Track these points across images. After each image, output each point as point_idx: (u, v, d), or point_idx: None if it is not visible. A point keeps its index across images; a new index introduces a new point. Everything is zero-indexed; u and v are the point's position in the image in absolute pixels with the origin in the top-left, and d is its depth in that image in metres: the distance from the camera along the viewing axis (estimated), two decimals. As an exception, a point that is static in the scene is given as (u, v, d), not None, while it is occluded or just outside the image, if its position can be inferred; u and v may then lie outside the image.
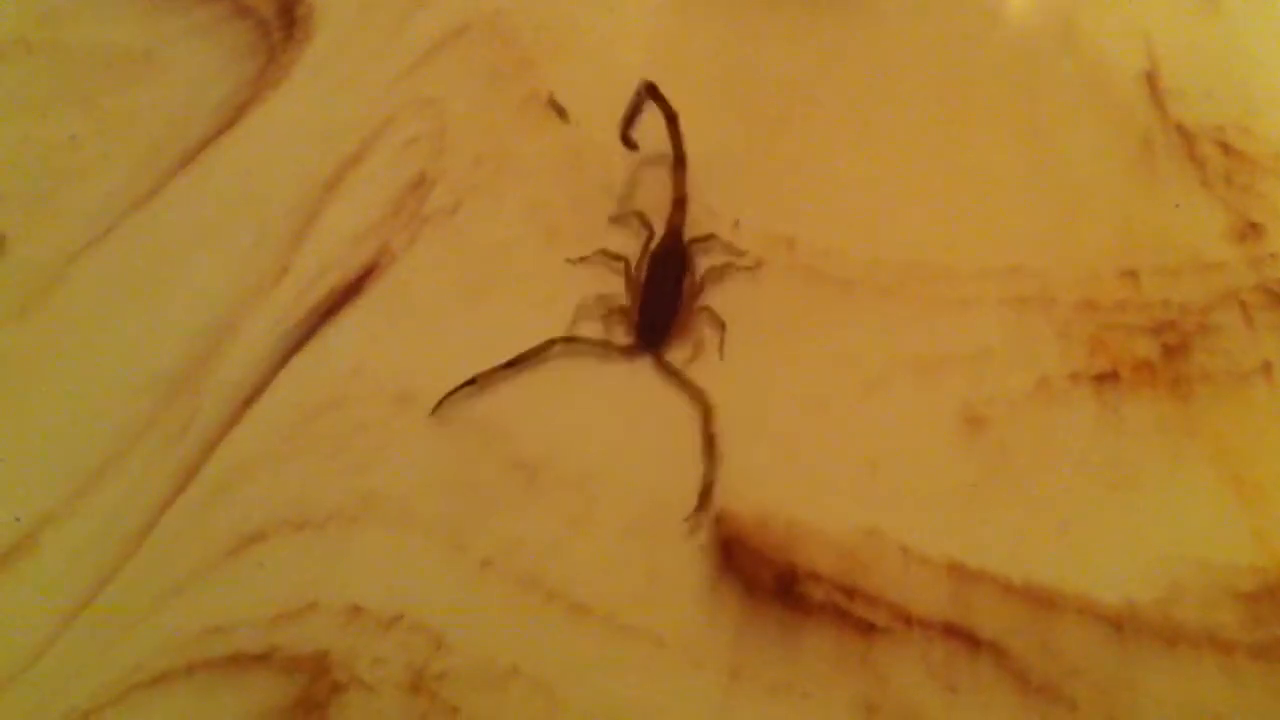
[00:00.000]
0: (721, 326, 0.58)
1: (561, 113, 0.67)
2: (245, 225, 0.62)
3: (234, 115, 0.67)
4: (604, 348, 0.57)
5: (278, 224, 0.62)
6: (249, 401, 0.56)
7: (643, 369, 0.57)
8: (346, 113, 0.67)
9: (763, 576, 0.50)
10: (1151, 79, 0.67)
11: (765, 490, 0.53)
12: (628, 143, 0.62)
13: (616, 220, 0.62)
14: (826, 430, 0.54)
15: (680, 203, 0.62)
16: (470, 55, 0.70)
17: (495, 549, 0.51)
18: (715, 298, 0.59)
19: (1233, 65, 0.68)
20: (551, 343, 0.56)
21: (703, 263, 0.61)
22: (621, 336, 0.58)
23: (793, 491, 0.53)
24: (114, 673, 0.49)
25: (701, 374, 0.56)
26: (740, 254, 0.61)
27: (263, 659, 0.49)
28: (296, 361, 0.57)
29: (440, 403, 0.55)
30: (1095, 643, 0.48)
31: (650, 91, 0.61)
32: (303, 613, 0.50)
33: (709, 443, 0.53)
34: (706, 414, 0.54)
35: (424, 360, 0.57)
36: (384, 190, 0.64)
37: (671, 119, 0.62)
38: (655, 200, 0.63)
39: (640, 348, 0.57)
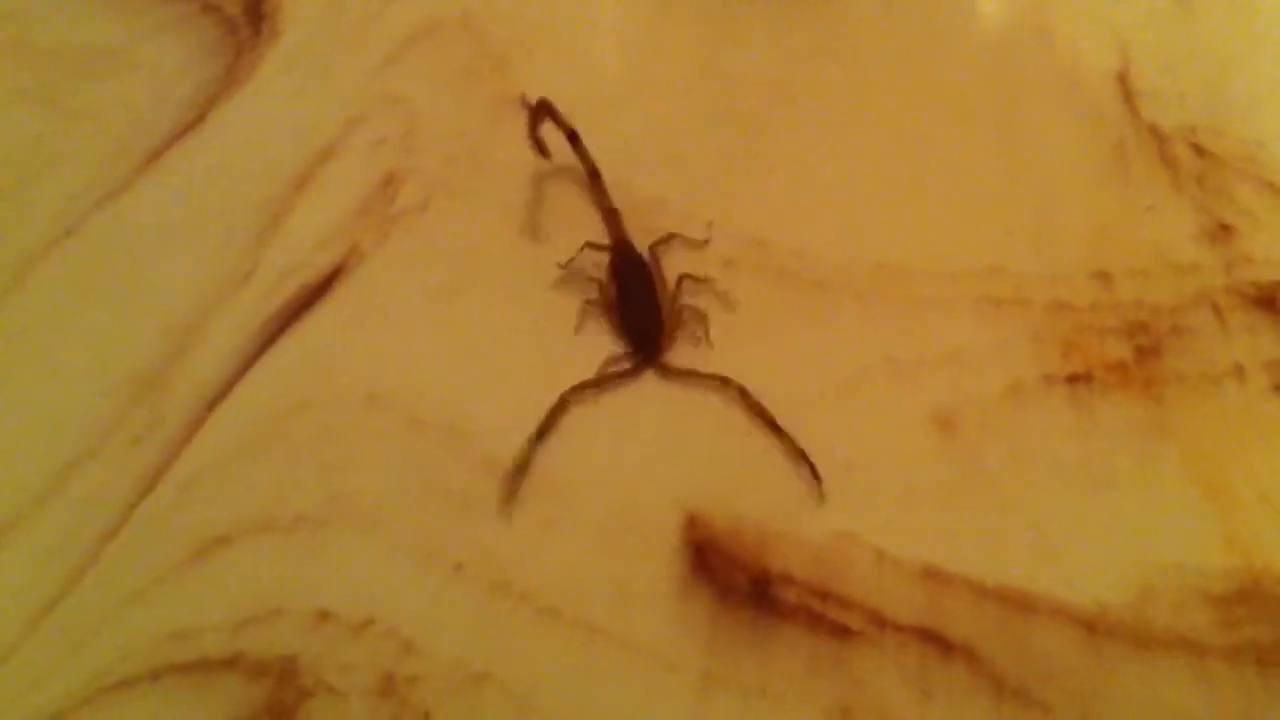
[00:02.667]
0: (703, 317, 0.58)
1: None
2: (212, 224, 0.62)
3: (201, 113, 0.66)
4: (611, 381, 0.56)
5: (245, 223, 0.62)
6: (215, 403, 0.55)
7: (655, 383, 0.56)
8: (315, 111, 0.67)
9: (736, 580, 0.50)
10: (1124, 80, 0.68)
11: (738, 494, 0.52)
12: (539, 147, 0.61)
13: (565, 267, 0.60)
14: (800, 432, 0.54)
15: (611, 213, 0.61)
16: (441, 53, 0.70)
17: (466, 553, 0.51)
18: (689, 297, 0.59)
19: (1205, 67, 0.68)
20: (564, 399, 0.55)
21: (670, 263, 0.60)
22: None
23: (765, 494, 0.53)
24: (79, 678, 0.48)
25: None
26: (703, 243, 0.61)
27: (229, 664, 0.48)
28: (264, 362, 0.57)
29: (504, 505, 0.53)
30: (1068, 646, 0.48)
31: (545, 109, 0.60)
32: (270, 617, 0.49)
33: (765, 419, 0.53)
34: (743, 395, 0.54)
35: (393, 361, 0.57)
36: (353, 189, 0.63)
37: (572, 136, 0.61)
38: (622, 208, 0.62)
39: (641, 364, 0.56)
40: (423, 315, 0.59)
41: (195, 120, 0.66)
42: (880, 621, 0.49)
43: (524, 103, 0.66)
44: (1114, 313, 0.58)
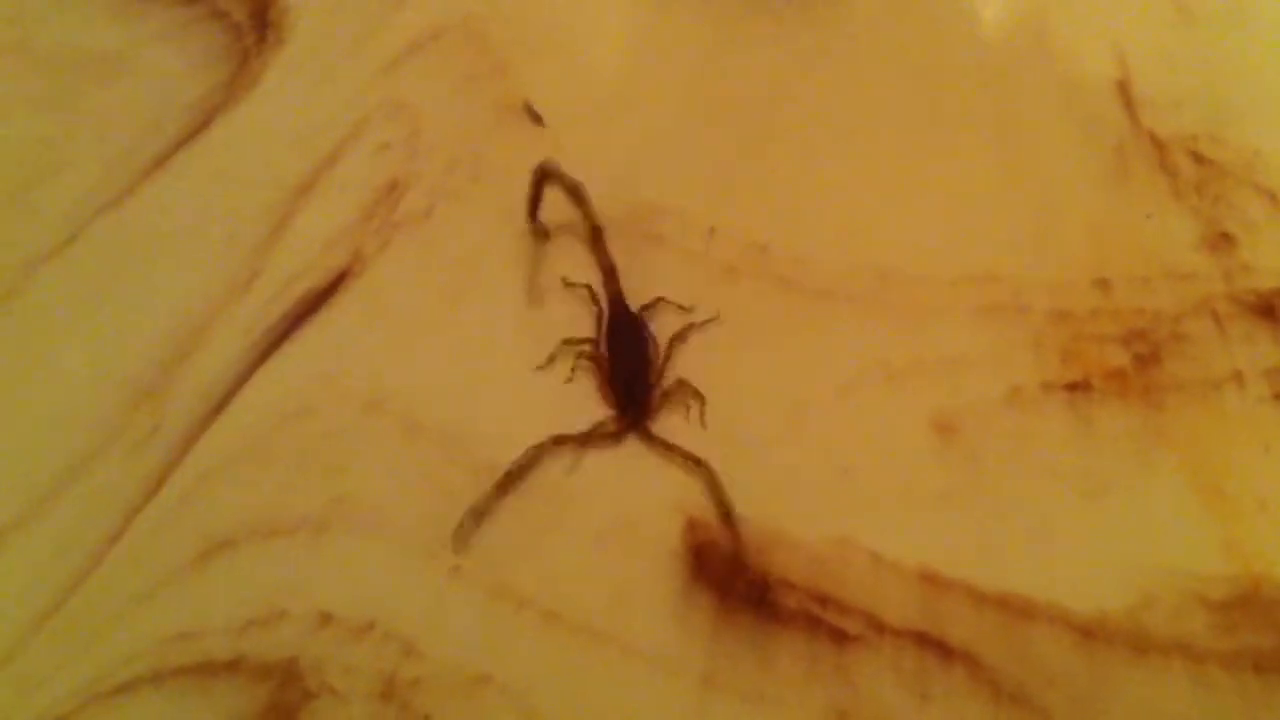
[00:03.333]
0: (700, 399, 0.56)
1: (536, 118, 0.67)
2: (216, 229, 0.62)
3: (206, 119, 0.67)
4: (590, 438, 0.55)
5: (249, 228, 0.62)
6: (219, 407, 0.56)
7: (634, 447, 0.56)
8: (319, 116, 0.67)
9: (736, 584, 0.50)
10: (1124, 88, 0.68)
11: (737, 498, 0.52)
12: (537, 230, 0.61)
13: (570, 285, 0.60)
14: (799, 437, 0.54)
15: (610, 272, 0.61)
16: (444, 59, 0.70)
17: (466, 557, 0.51)
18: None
19: (1204, 75, 0.68)
20: (540, 448, 0.54)
21: (657, 326, 0.59)
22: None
23: (765, 499, 0.53)
24: (82, 680, 0.48)
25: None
26: (689, 309, 0.60)
27: (232, 667, 0.48)
28: (267, 367, 0.57)
29: (455, 539, 0.52)
30: (1066, 651, 0.48)
31: (547, 172, 0.60)
32: (272, 620, 0.49)
33: (722, 508, 0.52)
34: (711, 481, 0.53)
35: (396, 367, 0.57)
36: (356, 195, 0.64)
37: (574, 191, 0.61)
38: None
39: (625, 427, 0.56)
40: (425, 320, 0.59)
41: (200, 126, 0.66)
42: (879, 626, 0.49)
43: (525, 107, 0.67)
44: (1113, 320, 0.58)
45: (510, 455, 0.53)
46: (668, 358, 0.58)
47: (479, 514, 0.52)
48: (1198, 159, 0.64)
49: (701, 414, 0.56)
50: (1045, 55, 0.70)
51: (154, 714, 0.47)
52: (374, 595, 0.50)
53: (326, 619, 0.49)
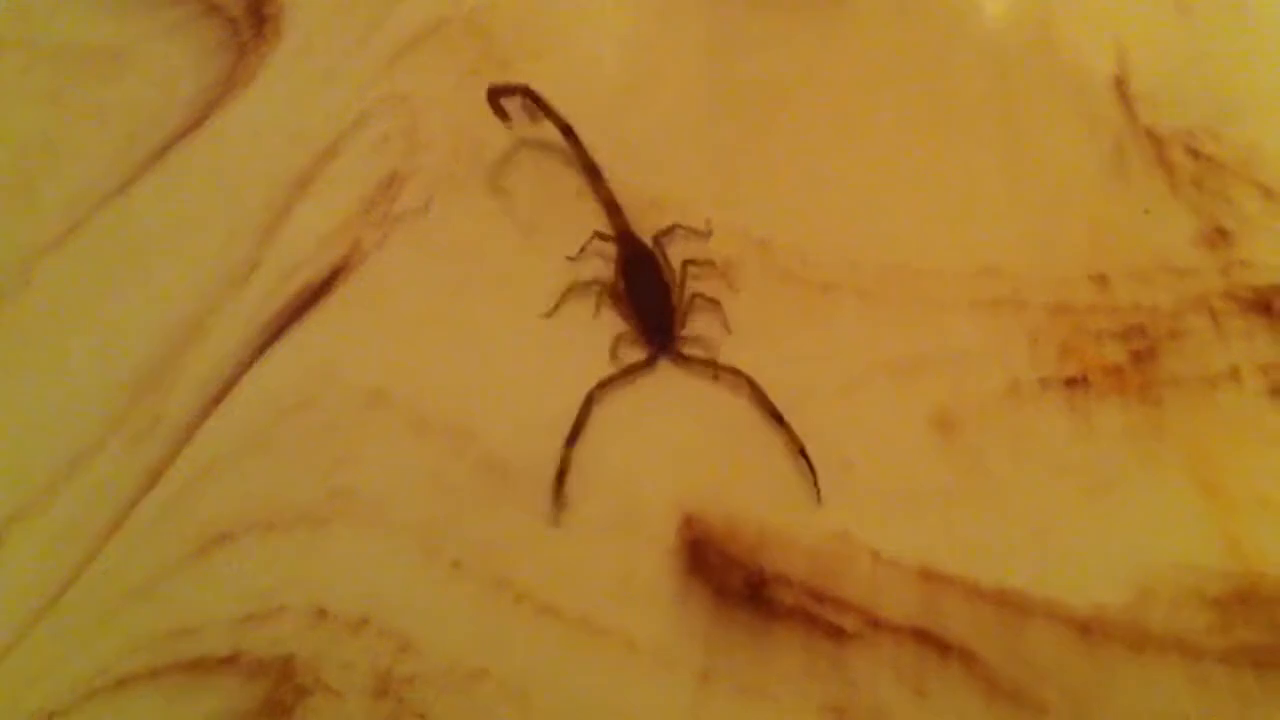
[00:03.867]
0: (718, 304, 0.58)
1: (534, 112, 0.67)
2: (215, 223, 0.62)
3: (204, 113, 0.67)
4: (629, 374, 0.56)
5: (248, 221, 0.62)
6: (218, 400, 0.56)
7: (671, 373, 0.57)
8: (317, 110, 0.67)
9: (733, 580, 0.50)
10: (1122, 85, 0.68)
11: (736, 493, 0.53)
12: (497, 110, 0.62)
13: (576, 257, 0.61)
14: (800, 431, 0.54)
15: (612, 206, 0.62)
16: (444, 53, 0.70)
17: (465, 550, 0.51)
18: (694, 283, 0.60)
19: (1202, 71, 0.68)
20: (589, 398, 0.55)
21: (674, 252, 0.61)
22: (634, 354, 0.57)
23: (763, 494, 0.53)
24: (79, 674, 0.48)
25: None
26: (706, 234, 0.61)
27: (228, 662, 0.48)
28: (266, 360, 0.57)
29: (555, 501, 0.53)
30: (1065, 647, 0.48)
31: (532, 97, 0.61)
32: (270, 615, 0.50)
33: (772, 413, 0.54)
34: (754, 390, 0.54)
35: (395, 359, 0.57)
36: (355, 188, 0.64)
37: (566, 131, 0.62)
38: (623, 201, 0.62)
39: (656, 354, 0.57)
40: (424, 314, 0.59)
41: (199, 120, 0.66)
42: (876, 622, 0.49)
43: (523, 103, 0.67)
44: (1112, 316, 0.58)
45: (510, 448, 0.54)
46: (683, 282, 0.59)
47: (563, 474, 0.53)
48: (1196, 155, 0.64)
49: (724, 321, 0.58)
50: (1045, 51, 0.70)
51: (151, 709, 0.48)
52: (372, 590, 0.50)
53: (322, 614, 0.49)
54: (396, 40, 0.70)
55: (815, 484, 0.52)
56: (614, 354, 0.57)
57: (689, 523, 0.52)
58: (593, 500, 0.53)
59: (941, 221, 0.62)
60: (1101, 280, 0.59)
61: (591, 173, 0.62)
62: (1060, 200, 0.63)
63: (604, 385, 0.55)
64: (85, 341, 0.58)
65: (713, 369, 0.56)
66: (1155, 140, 0.64)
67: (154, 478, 0.53)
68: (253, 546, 0.52)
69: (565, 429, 0.54)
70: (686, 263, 0.60)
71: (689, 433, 0.55)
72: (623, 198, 0.62)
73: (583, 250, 0.60)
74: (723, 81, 0.70)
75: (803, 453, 0.53)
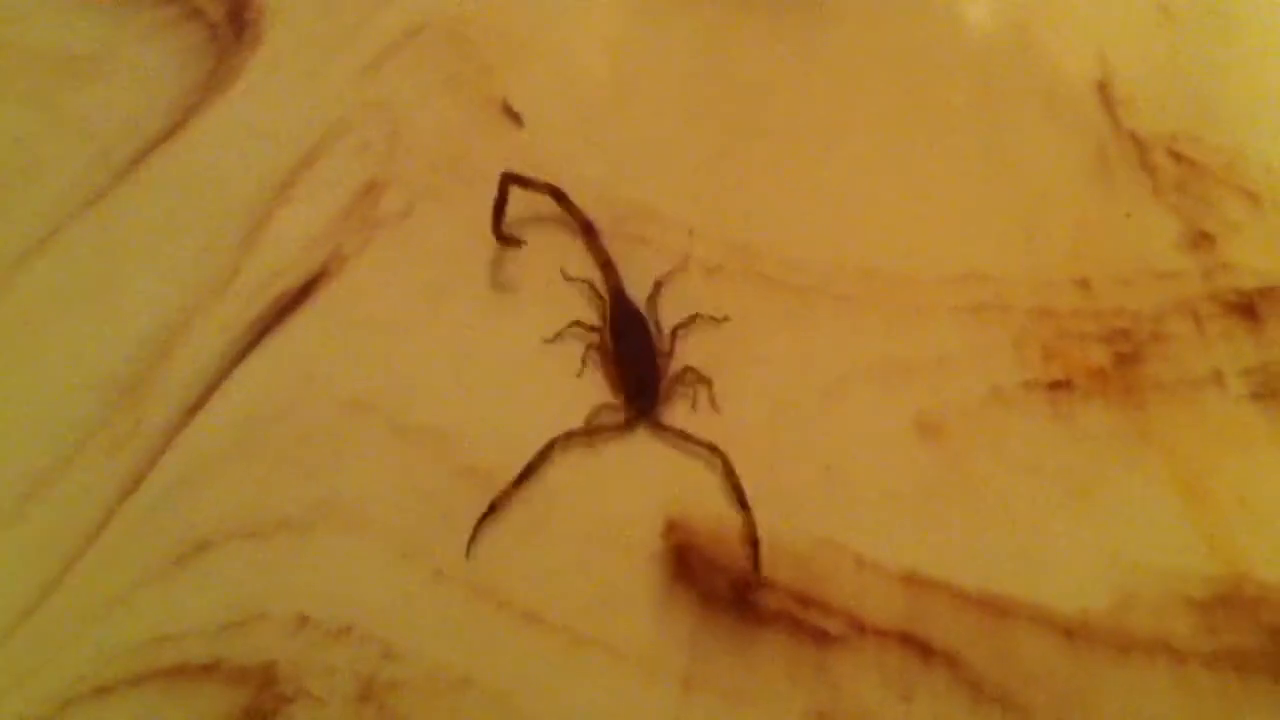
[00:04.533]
0: (709, 383, 0.56)
1: (514, 117, 0.67)
2: (195, 229, 0.62)
3: (183, 118, 0.66)
4: (599, 434, 0.55)
5: (228, 227, 0.62)
6: (197, 407, 0.55)
7: (644, 440, 0.56)
8: (298, 115, 0.67)
9: (717, 585, 0.50)
10: (1105, 88, 0.68)
11: (718, 498, 0.53)
12: (505, 240, 0.60)
13: (570, 280, 0.60)
14: (782, 437, 0.54)
15: (607, 266, 0.61)
16: (425, 59, 0.70)
17: (447, 558, 0.51)
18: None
19: (1185, 75, 0.69)
20: (551, 445, 0.54)
21: (665, 315, 0.59)
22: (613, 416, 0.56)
23: (748, 498, 0.52)
24: (58, 682, 0.48)
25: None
26: (683, 268, 0.60)
27: (209, 670, 0.48)
28: (246, 367, 0.57)
29: (472, 540, 0.52)
30: (1049, 651, 0.48)
31: (514, 181, 0.60)
32: (250, 623, 0.49)
33: (739, 495, 0.52)
34: (726, 466, 0.53)
35: (376, 367, 0.57)
36: (336, 194, 0.63)
37: (555, 194, 0.61)
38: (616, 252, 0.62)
39: (635, 418, 0.56)
40: (405, 320, 0.59)
41: (178, 125, 0.66)
42: (861, 627, 0.49)
43: (504, 108, 0.67)
44: (1095, 319, 0.58)
45: (492, 455, 0.53)
46: (673, 347, 0.58)
47: (494, 510, 0.52)
48: (1178, 159, 0.64)
49: (712, 399, 0.56)
50: (1028, 56, 0.70)
51: (131, 717, 0.47)
52: (353, 597, 0.50)
53: (304, 621, 0.49)
54: (377, 46, 0.70)
55: (757, 568, 0.51)
56: (589, 420, 0.56)
57: (673, 528, 0.52)
58: (575, 506, 0.53)
59: (924, 226, 0.62)
60: (1084, 284, 0.59)
61: (587, 230, 0.61)
62: (1043, 204, 0.63)
63: (569, 437, 0.55)
64: (63, 348, 0.58)
65: (690, 443, 0.54)
66: (1138, 144, 0.65)
67: (133, 485, 0.53)
68: (233, 554, 0.51)
69: (547, 436, 0.54)
70: (676, 328, 0.58)
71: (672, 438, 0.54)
72: (603, 203, 0.62)
73: (558, 336, 0.59)
74: (704, 86, 0.70)
75: (754, 544, 0.51)
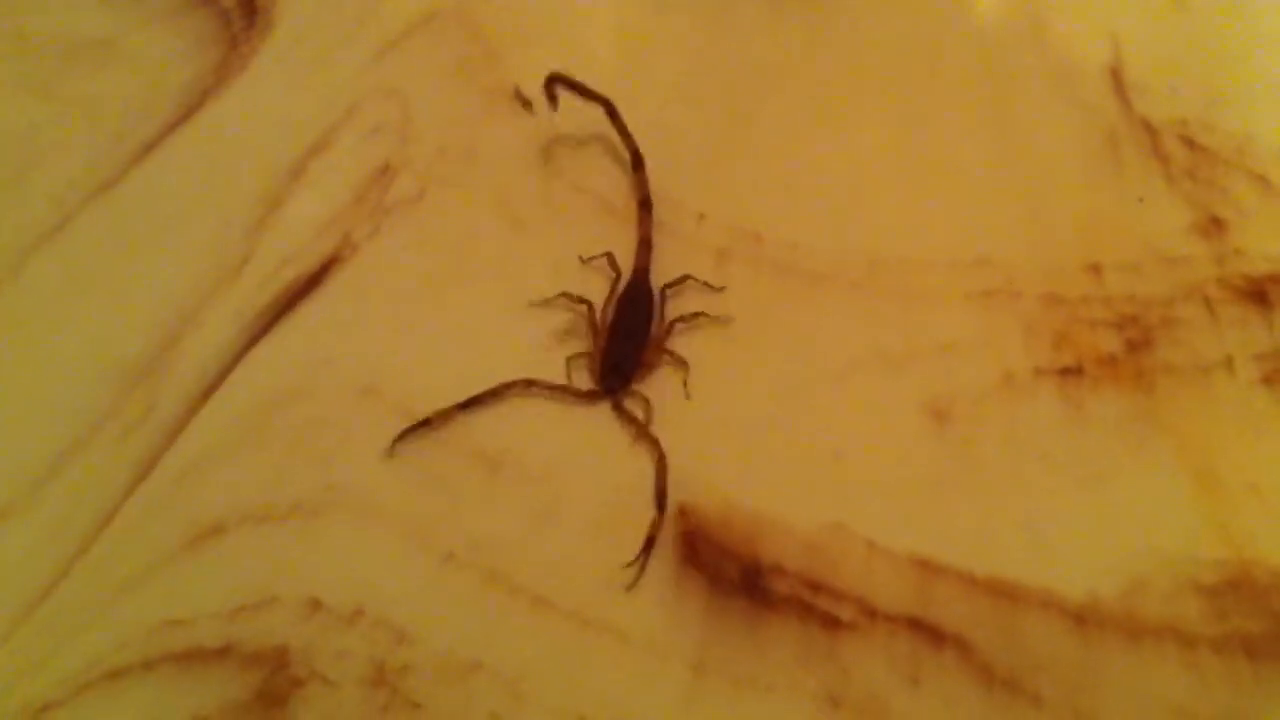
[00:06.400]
0: (685, 366, 0.57)
1: (527, 104, 0.67)
2: (207, 214, 0.62)
3: (195, 104, 0.66)
4: (562, 391, 0.56)
5: (239, 213, 0.62)
6: (209, 392, 0.55)
7: (601, 411, 0.56)
8: (309, 101, 0.67)
9: (727, 570, 0.50)
10: (1116, 73, 0.68)
11: (729, 483, 0.53)
12: (550, 95, 0.61)
13: (587, 262, 0.60)
14: (792, 423, 0.54)
15: (646, 243, 0.61)
16: (436, 45, 0.70)
17: (458, 543, 0.51)
18: (682, 300, 0.59)
19: (1197, 60, 0.68)
20: (509, 385, 0.55)
21: (673, 307, 0.59)
22: (584, 380, 0.57)
23: (757, 485, 0.53)
24: (71, 666, 0.48)
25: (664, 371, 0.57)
26: (717, 289, 0.59)
27: (222, 653, 0.48)
28: (258, 352, 0.57)
29: (395, 442, 0.53)
30: (1059, 636, 0.48)
31: (560, 81, 0.61)
32: (263, 606, 0.49)
33: (661, 495, 0.52)
34: (661, 466, 0.53)
35: (387, 352, 0.57)
36: (347, 180, 0.63)
37: (608, 108, 0.62)
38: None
39: (601, 393, 0.56)
40: (416, 305, 0.59)
41: (190, 111, 0.66)
42: (871, 612, 0.49)
43: (515, 94, 0.67)
44: (1105, 305, 0.58)
45: (502, 442, 0.54)
46: (667, 336, 0.58)
47: (426, 424, 0.54)
48: (1190, 144, 0.64)
49: (685, 383, 0.56)
50: (1039, 41, 0.70)
51: (145, 701, 0.47)
52: (365, 581, 0.50)
53: (317, 605, 0.49)
54: (388, 31, 0.70)
55: (637, 569, 0.51)
56: (568, 365, 0.57)
57: (683, 513, 0.52)
58: (585, 491, 0.53)
59: (934, 211, 0.62)
60: (1095, 270, 0.59)
61: (645, 206, 0.61)
62: (1053, 190, 0.63)
63: (529, 385, 0.55)
64: (76, 334, 0.58)
65: (638, 432, 0.54)
66: (1149, 130, 0.65)
67: (146, 470, 0.53)
68: (245, 539, 0.51)
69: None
70: (675, 321, 0.58)
71: (682, 423, 0.55)
72: (613, 190, 0.62)
73: (592, 260, 0.60)
74: (713, 72, 0.70)
75: (650, 541, 0.51)
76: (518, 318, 0.58)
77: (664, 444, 0.53)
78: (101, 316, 0.58)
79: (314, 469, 0.53)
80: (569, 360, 0.57)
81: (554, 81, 0.61)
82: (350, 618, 0.49)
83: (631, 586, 0.50)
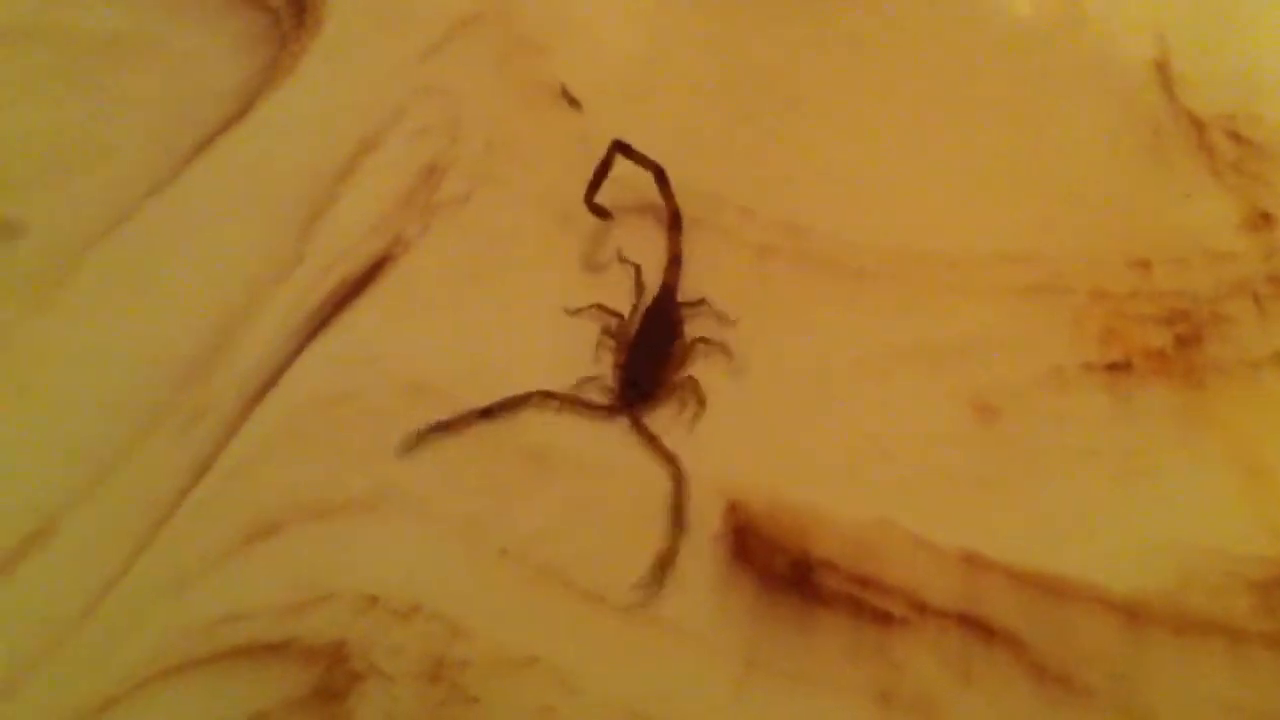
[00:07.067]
0: (701, 402, 0.56)
1: (573, 102, 0.67)
2: (258, 215, 0.62)
3: (246, 104, 0.67)
4: (582, 405, 0.56)
5: (290, 214, 0.62)
6: (265, 389, 0.56)
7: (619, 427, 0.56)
8: (358, 101, 0.67)
9: (776, 566, 0.51)
10: (1162, 67, 0.67)
11: (777, 479, 0.53)
12: (595, 210, 0.60)
13: (624, 263, 0.61)
14: (838, 419, 0.55)
15: (676, 260, 0.60)
16: (481, 44, 0.70)
17: (512, 539, 0.52)
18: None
19: (1243, 54, 0.68)
20: (529, 396, 0.55)
21: (690, 328, 0.59)
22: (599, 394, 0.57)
23: (805, 480, 0.53)
24: (132, 661, 0.49)
25: (716, 364, 0.57)
26: (732, 323, 0.59)
27: (280, 648, 0.49)
28: (311, 350, 0.58)
29: (411, 440, 0.54)
30: (1108, 631, 0.48)
31: (622, 150, 0.60)
32: (319, 602, 0.50)
33: (677, 513, 0.52)
34: (678, 484, 0.53)
35: (438, 349, 0.58)
36: (396, 179, 0.64)
37: (658, 174, 0.61)
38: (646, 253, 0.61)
39: (619, 408, 0.56)
40: (466, 304, 0.60)
41: (241, 112, 0.66)
42: (920, 607, 0.49)
43: (561, 91, 0.67)
44: (1153, 301, 0.58)
45: (553, 438, 0.54)
46: (687, 356, 0.58)
47: (445, 428, 0.54)
48: (1236, 138, 0.64)
49: (695, 418, 0.56)
50: (1084, 34, 0.70)
51: (204, 695, 0.48)
52: (420, 577, 0.51)
53: (373, 601, 0.50)
54: (434, 31, 0.70)
55: (655, 587, 0.51)
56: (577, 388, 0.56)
57: (733, 509, 0.52)
58: (636, 488, 0.53)
59: (979, 206, 0.62)
60: (1143, 265, 0.59)
61: (674, 220, 0.61)
62: (1100, 185, 0.63)
63: (548, 397, 0.55)
64: (132, 333, 0.58)
65: (655, 449, 0.54)
66: (1195, 124, 0.64)
67: (203, 467, 0.54)
68: (301, 535, 0.52)
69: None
70: (698, 340, 0.58)
71: (732, 420, 0.55)
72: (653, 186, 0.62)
73: (626, 261, 0.60)
74: (754, 66, 0.70)
75: (669, 556, 0.51)
76: (566, 315, 0.59)
77: (682, 460, 0.54)
78: (156, 315, 0.59)
79: (368, 466, 0.54)
80: (579, 383, 0.56)
81: (616, 149, 0.60)
82: (406, 613, 0.50)
83: (644, 605, 0.50)
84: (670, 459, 0.54)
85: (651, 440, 0.54)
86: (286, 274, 0.60)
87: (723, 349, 0.57)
